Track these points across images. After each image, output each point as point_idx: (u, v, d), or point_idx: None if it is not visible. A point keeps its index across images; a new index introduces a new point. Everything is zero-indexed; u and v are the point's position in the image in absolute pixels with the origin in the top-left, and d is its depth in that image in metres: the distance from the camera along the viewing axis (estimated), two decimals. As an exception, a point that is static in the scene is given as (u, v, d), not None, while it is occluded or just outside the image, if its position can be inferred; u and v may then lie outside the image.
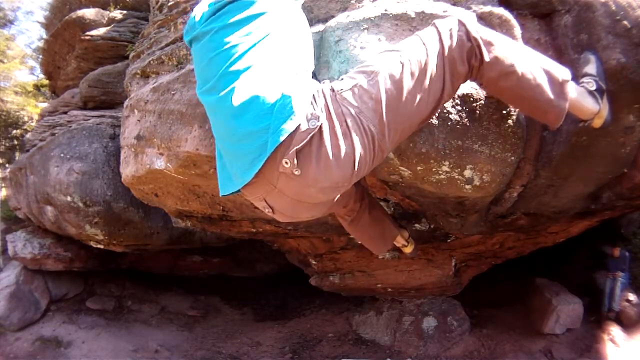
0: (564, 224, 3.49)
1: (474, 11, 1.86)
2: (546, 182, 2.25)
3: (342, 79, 1.27)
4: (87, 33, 5.25)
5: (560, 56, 1.98)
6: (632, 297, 5.20)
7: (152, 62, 2.69)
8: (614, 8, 1.77)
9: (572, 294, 5.21)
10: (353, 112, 1.17)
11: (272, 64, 1.27)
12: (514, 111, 1.79)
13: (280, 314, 6.86)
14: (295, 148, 1.13)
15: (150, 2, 3.24)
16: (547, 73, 1.42)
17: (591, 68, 1.69)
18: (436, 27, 1.32)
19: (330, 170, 1.17)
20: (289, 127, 1.14)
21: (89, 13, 5.38)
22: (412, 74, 1.23)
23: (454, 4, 1.90)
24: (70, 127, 5.27)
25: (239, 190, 1.34)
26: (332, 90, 1.22)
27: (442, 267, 4.59)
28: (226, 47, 1.31)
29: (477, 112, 1.76)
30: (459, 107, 1.75)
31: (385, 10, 1.82)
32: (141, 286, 7.13)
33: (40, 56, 7.32)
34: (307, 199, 1.30)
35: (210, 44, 1.37)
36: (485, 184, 1.96)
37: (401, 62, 1.23)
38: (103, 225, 4.96)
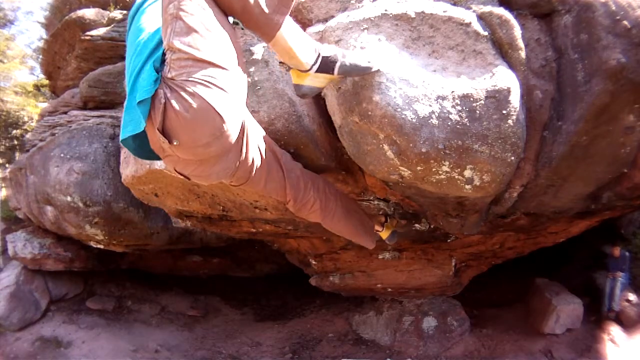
0: (564, 224, 3.49)
1: (474, 11, 1.86)
2: (546, 182, 2.25)
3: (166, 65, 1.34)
4: (87, 33, 5.24)
5: (560, 56, 1.99)
6: (632, 297, 5.20)
7: (152, 62, 2.68)
8: (614, 8, 1.78)
9: (572, 294, 5.20)
10: (185, 78, 1.26)
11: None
12: (514, 111, 1.79)
13: (280, 314, 6.86)
14: (157, 129, 1.28)
15: (150, 2, 3.24)
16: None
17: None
18: None
19: (198, 129, 1.29)
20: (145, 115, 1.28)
21: (89, 13, 5.38)
22: (191, 12, 1.24)
23: (454, 4, 1.90)
24: (70, 127, 5.27)
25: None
26: (164, 77, 1.31)
27: (442, 267, 4.60)
28: (140, 27, 1.44)
29: (477, 112, 1.76)
30: (459, 107, 1.75)
31: (385, 10, 1.82)
32: (141, 286, 7.12)
33: (40, 56, 7.30)
34: (204, 156, 1.42)
35: (134, 29, 1.50)
36: (485, 184, 1.96)
37: (176, 16, 1.25)
38: (103, 225, 4.96)
